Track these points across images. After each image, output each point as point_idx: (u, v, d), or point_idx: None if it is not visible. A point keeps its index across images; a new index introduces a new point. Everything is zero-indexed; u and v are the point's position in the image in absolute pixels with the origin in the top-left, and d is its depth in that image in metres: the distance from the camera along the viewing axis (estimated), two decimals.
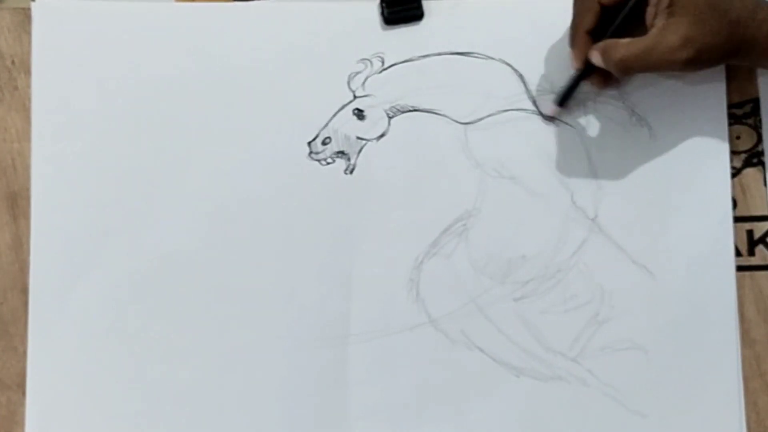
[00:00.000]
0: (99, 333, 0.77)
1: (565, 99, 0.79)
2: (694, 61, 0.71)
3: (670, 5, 0.71)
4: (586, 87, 0.79)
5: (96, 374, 0.77)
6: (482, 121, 0.80)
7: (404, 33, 0.80)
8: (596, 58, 0.75)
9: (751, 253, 0.82)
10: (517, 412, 0.78)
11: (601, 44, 0.74)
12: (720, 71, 0.81)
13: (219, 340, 0.77)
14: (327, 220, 0.79)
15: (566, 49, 0.78)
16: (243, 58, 0.80)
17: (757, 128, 0.82)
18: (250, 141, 0.79)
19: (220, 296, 0.78)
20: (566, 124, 0.80)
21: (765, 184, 0.82)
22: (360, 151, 0.79)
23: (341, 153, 0.79)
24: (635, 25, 0.74)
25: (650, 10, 0.73)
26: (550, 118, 0.80)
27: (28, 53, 0.79)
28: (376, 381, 0.78)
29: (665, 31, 0.71)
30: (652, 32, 0.72)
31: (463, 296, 0.79)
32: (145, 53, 0.79)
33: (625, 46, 0.73)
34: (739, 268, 0.80)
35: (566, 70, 0.79)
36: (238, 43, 0.80)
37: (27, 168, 0.78)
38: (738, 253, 0.81)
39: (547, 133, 0.80)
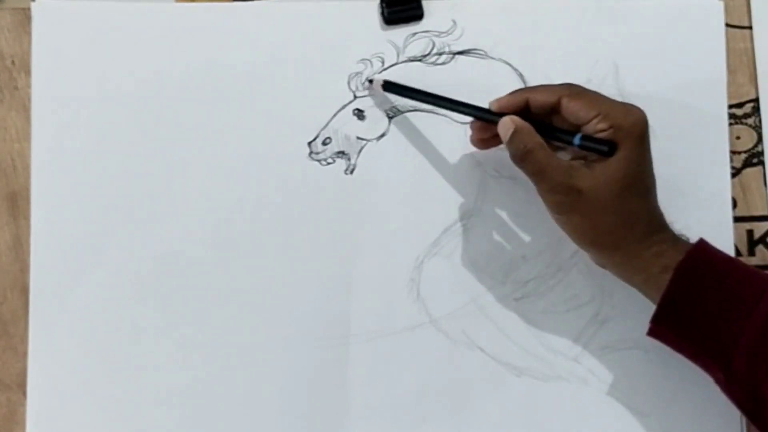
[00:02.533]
0: (99, 333, 0.77)
1: (400, 92, 0.78)
2: (564, 210, 0.70)
3: (597, 161, 0.69)
4: None
5: (96, 374, 0.76)
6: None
7: (404, 33, 0.80)
8: (505, 128, 0.71)
9: (751, 253, 0.82)
10: (517, 411, 0.78)
11: (521, 122, 0.70)
12: (720, 71, 0.81)
13: (219, 341, 0.77)
14: (327, 221, 0.79)
15: (567, 50, 0.78)
16: (243, 58, 0.79)
17: (757, 128, 0.82)
18: (251, 141, 0.79)
19: (220, 296, 0.77)
20: None
21: (765, 184, 0.82)
22: (360, 151, 0.79)
23: (341, 153, 0.79)
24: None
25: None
26: (370, 81, 0.79)
27: (28, 53, 0.78)
28: (377, 381, 0.78)
29: (571, 170, 0.68)
30: (564, 161, 0.70)
31: (464, 296, 0.79)
32: (146, 53, 0.79)
33: (538, 145, 0.69)
34: None
35: (566, 70, 0.79)
36: (238, 43, 0.80)
37: (27, 168, 0.77)
38: (738, 253, 0.81)
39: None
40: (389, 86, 0.78)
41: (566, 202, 0.69)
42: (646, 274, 0.70)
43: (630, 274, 0.71)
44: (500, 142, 0.73)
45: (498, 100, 0.73)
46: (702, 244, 0.70)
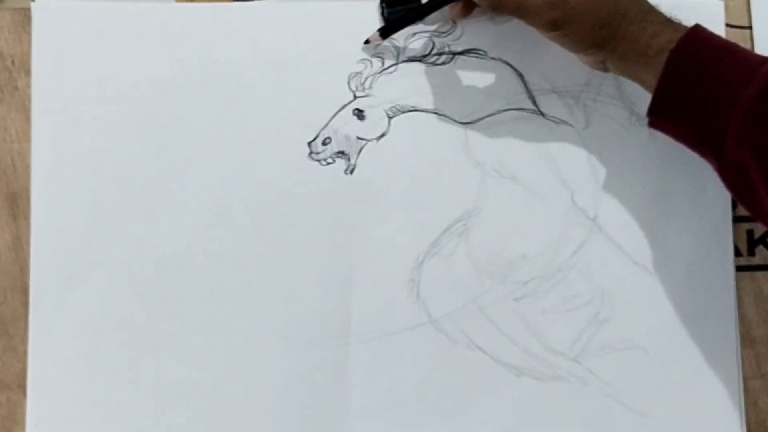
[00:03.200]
0: (99, 333, 0.77)
1: (396, 28, 0.79)
2: (558, 25, 0.70)
3: None
4: (582, 87, 0.79)
5: (96, 374, 0.77)
6: (482, 121, 0.80)
7: (404, 33, 0.80)
8: None
9: (751, 253, 0.82)
10: (517, 411, 0.78)
11: None
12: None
13: (220, 340, 0.77)
14: (327, 221, 0.79)
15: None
16: (243, 58, 0.79)
17: None
18: (251, 141, 0.79)
19: (220, 296, 0.77)
20: (566, 124, 0.80)
21: None
22: (360, 151, 0.79)
23: (341, 153, 0.79)
24: None
25: None
26: (366, 42, 0.79)
27: (28, 53, 0.78)
28: (377, 381, 0.78)
29: None
30: None
31: (464, 296, 0.79)
32: (146, 54, 0.79)
33: None
34: (739, 268, 0.81)
35: (565, 70, 0.79)
36: (238, 43, 0.80)
37: (27, 168, 0.78)
38: (738, 253, 0.81)
39: (547, 133, 0.80)
40: (386, 32, 0.78)
41: (555, 16, 0.70)
42: (645, 58, 0.69)
43: (631, 64, 0.71)
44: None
45: None
46: (697, 27, 0.70)
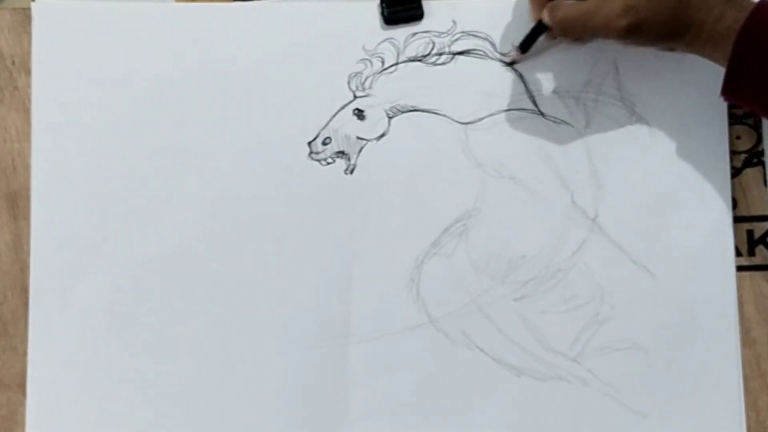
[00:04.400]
0: (99, 332, 0.77)
1: (527, 46, 0.79)
2: (632, 31, 0.71)
3: None
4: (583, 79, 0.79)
5: (96, 374, 0.77)
6: (482, 121, 0.80)
7: (404, 33, 0.80)
8: (545, 16, 0.75)
9: (751, 253, 0.81)
10: (517, 411, 0.78)
11: (550, 3, 0.75)
12: (720, 70, 0.81)
13: (219, 341, 0.77)
14: (327, 220, 0.79)
15: (567, 50, 0.78)
16: (243, 58, 0.80)
17: (757, 128, 0.82)
18: (251, 141, 0.79)
19: (220, 296, 0.78)
20: (566, 124, 0.80)
21: (765, 184, 0.82)
22: (360, 151, 0.79)
23: (341, 153, 0.79)
24: None
25: None
26: (511, 64, 0.80)
27: (28, 53, 0.79)
28: (377, 381, 0.78)
29: None
30: None
31: (464, 296, 0.79)
32: (145, 53, 0.79)
33: (566, 7, 0.73)
34: (739, 268, 0.80)
35: (566, 70, 0.79)
36: (238, 43, 0.80)
37: (27, 168, 0.78)
38: (738, 253, 0.81)
39: (547, 133, 0.80)
40: (524, 46, 0.79)
41: (628, 24, 0.71)
42: (713, 41, 0.71)
43: (700, 47, 0.73)
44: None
45: (530, 10, 0.78)
46: (762, 5, 0.71)
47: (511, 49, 0.80)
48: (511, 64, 0.80)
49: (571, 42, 0.77)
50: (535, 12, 0.77)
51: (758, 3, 0.71)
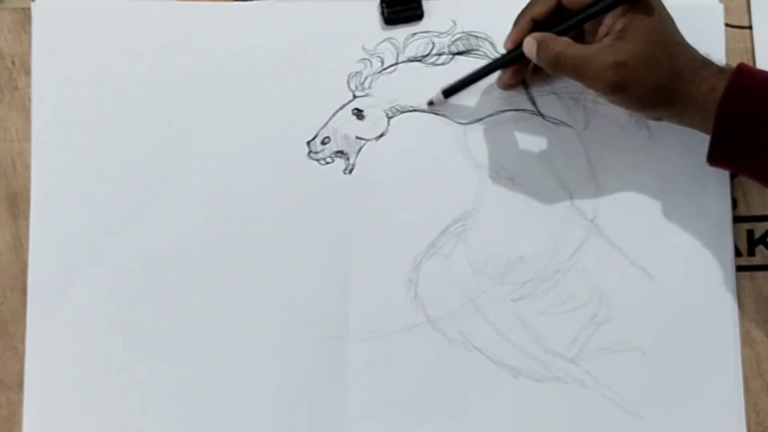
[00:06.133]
0: (97, 332, 0.77)
1: (455, 90, 0.79)
2: (619, 89, 0.71)
3: (622, 30, 0.71)
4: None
5: (94, 374, 0.77)
6: (481, 122, 0.80)
7: (404, 33, 0.80)
8: (529, 46, 0.73)
9: (751, 253, 0.81)
10: (514, 412, 0.78)
11: (540, 34, 0.73)
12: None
13: (217, 340, 0.77)
14: (326, 220, 0.79)
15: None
16: (243, 58, 0.80)
17: None
18: (250, 140, 0.79)
19: (218, 296, 0.78)
20: (565, 125, 0.80)
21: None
22: (359, 150, 0.79)
23: (340, 153, 0.79)
24: (578, 40, 0.74)
25: (602, 29, 0.73)
26: (430, 104, 0.80)
27: (28, 53, 0.79)
28: (375, 381, 0.78)
29: (606, 49, 0.71)
30: (596, 45, 0.72)
31: (462, 296, 0.79)
32: (145, 53, 0.79)
33: (564, 44, 0.72)
34: (739, 268, 0.80)
35: None
36: (238, 43, 0.80)
37: (27, 168, 0.78)
38: (738, 253, 0.81)
39: (547, 134, 0.80)
40: (449, 93, 0.79)
41: (616, 79, 0.70)
42: (702, 112, 0.71)
43: (689, 119, 0.73)
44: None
45: (508, 38, 0.76)
46: (741, 69, 0.71)
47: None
48: (429, 104, 0.80)
49: (537, 82, 0.79)
50: (513, 40, 0.76)
51: (737, 67, 0.71)
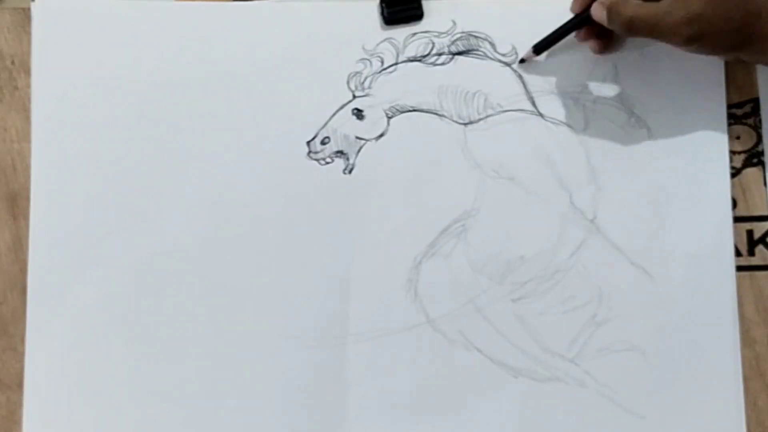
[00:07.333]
0: (97, 332, 0.77)
1: (545, 47, 0.79)
2: (696, 40, 0.71)
3: None
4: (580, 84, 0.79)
5: (94, 374, 0.77)
6: (481, 122, 0.80)
7: (404, 33, 0.80)
8: (598, 12, 0.74)
9: (751, 253, 0.81)
10: (514, 412, 0.78)
11: None
12: (720, 70, 0.81)
13: (217, 340, 0.78)
14: (326, 220, 0.79)
15: (566, 51, 0.78)
16: (243, 58, 0.80)
17: (757, 128, 0.82)
18: (249, 140, 0.79)
19: (218, 296, 0.78)
20: (565, 125, 0.80)
21: (765, 184, 0.82)
22: (359, 150, 0.79)
23: (340, 153, 0.79)
24: None
25: None
26: (521, 61, 0.80)
27: (28, 53, 0.79)
28: (374, 381, 0.78)
29: (678, 4, 0.70)
30: (666, 1, 0.71)
31: (462, 296, 0.79)
32: (146, 53, 0.79)
33: (635, 6, 0.72)
34: (739, 268, 0.80)
35: (566, 71, 0.79)
36: (238, 43, 0.80)
37: (27, 168, 0.78)
38: (738, 253, 0.81)
39: (547, 134, 0.80)
40: (539, 49, 0.79)
41: (692, 32, 0.70)
42: None
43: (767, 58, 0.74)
44: (605, 35, 0.77)
45: (574, 1, 0.77)
46: None
47: (510, 49, 0.80)
48: (521, 62, 0.80)
49: (601, 46, 0.78)
50: (579, 3, 0.76)
51: None
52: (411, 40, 0.80)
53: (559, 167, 0.80)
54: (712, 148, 0.81)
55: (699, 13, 0.70)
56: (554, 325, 0.79)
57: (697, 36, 0.71)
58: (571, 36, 0.79)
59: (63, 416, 0.77)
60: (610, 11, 0.73)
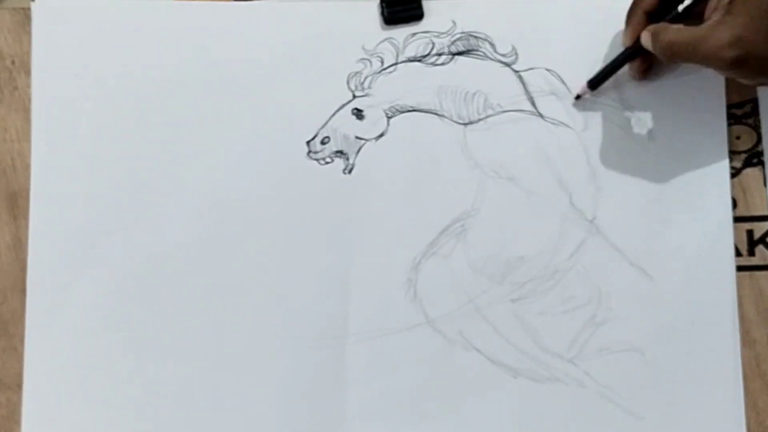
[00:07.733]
0: (96, 332, 0.77)
1: (599, 81, 0.79)
2: (740, 63, 0.70)
3: (731, 2, 0.70)
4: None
5: (93, 373, 0.77)
6: (481, 122, 0.80)
7: (404, 33, 0.80)
8: (645, 39, 0.74)
9: (751, 253, 0.81)
10: (513, 413, 0.78)
11: (652, 26, 0.74)
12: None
13: (216, 340, 0.78)
14: (325, 220, 0.79)
15: (566, 51, 0.78)
16: (243, 58, 0.80)
17: (756, 128, 0.82)
18: (249, 140, 0.79)
19: (217, 296, 0.78)
20: (565, 125, 0.80)
21: (765, 184, 0.82)
22: (359, 150, 0.79)
23: (340, 152, 0.79)
24: (694, 20, 0.73)
25: (711, 4, 0.73)
26: (577, 98, 0.80)
27: (28, 53, 0.79)
28: (374, 381, 0.78)
29: (719, 26, 0.70)
30: (706, 24, 0.71)
31: (461, 297, 0.79)
32: (145, 53, 0.79)
33: (675, 31, 0.72)
34: (739, 268, 0.80)
35: (566, 71, 0.79)
36: (238, 43, 0.80)
37: (27, 168, 0.78)
38: (738, 253, 0.81)
39: (546, 134, 0.80)
40: (593, 84, 0.79)
41: (734, 55, 0.69)
42: None
43: None
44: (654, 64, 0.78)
45: (625, 35, 0.77)
46: None
47: (510, 49, 0.80)
48: (577, 98, 0.80)
49: (646, 74, 0.78)
50: (631, 36, 0.76)
51: None
52: (411, 40, 0.80)
53: (559, 167, 0.79)
54: (712, 148, 0.80)
55: (740, 36, 0.69)
56: (554, 326, 0.79)
57: (739, 59, 0.69)
58: (574, 38, 0.79)
59: (62, 416, 0.77)
60: (653, 38, 0.73)
